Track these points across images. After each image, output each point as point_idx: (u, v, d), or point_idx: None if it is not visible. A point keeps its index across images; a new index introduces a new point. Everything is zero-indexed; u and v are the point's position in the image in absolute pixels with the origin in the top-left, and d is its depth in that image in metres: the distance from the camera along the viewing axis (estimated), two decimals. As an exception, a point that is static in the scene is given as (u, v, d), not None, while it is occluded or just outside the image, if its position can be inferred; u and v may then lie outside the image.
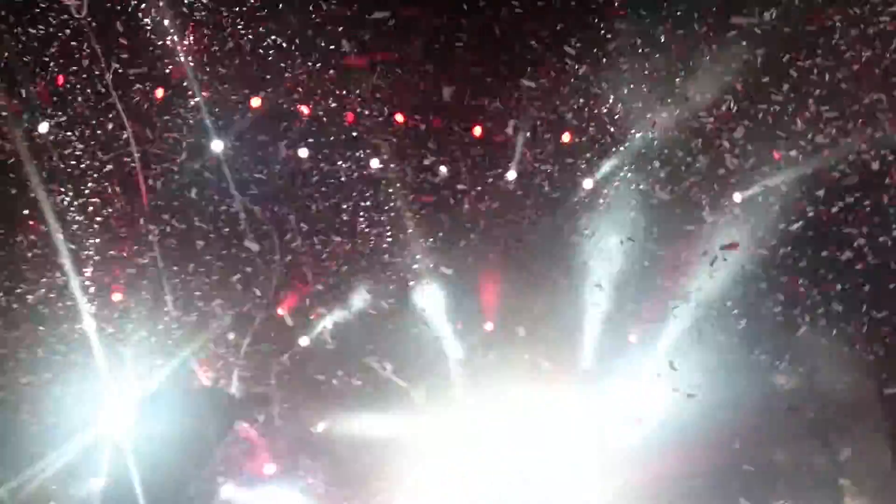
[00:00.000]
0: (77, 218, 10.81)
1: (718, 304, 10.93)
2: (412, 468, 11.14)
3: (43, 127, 10.53)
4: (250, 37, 10.87)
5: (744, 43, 10.33)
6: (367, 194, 11.25)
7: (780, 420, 11.01)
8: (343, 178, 11.22)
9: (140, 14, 10.63)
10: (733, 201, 10.81)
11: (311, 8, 10.81)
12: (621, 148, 11.03)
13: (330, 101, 11.03)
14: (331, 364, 11.32)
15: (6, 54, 10.37)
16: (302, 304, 11.31)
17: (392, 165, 11.09)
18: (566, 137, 11.15)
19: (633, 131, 10.96)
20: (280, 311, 11.24)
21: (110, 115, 10.75)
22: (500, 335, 11.45)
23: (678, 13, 10.64)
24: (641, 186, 11.05)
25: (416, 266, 11.29)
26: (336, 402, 11.29)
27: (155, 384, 10.53)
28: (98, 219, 10.90)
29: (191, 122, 10.90)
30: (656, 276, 11.19)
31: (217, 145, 10.86)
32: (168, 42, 10.68)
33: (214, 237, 11.10)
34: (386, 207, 11.25)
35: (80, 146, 10.80)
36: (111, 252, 10.94)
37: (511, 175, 11.21)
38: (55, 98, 10.65)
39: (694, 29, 10.62)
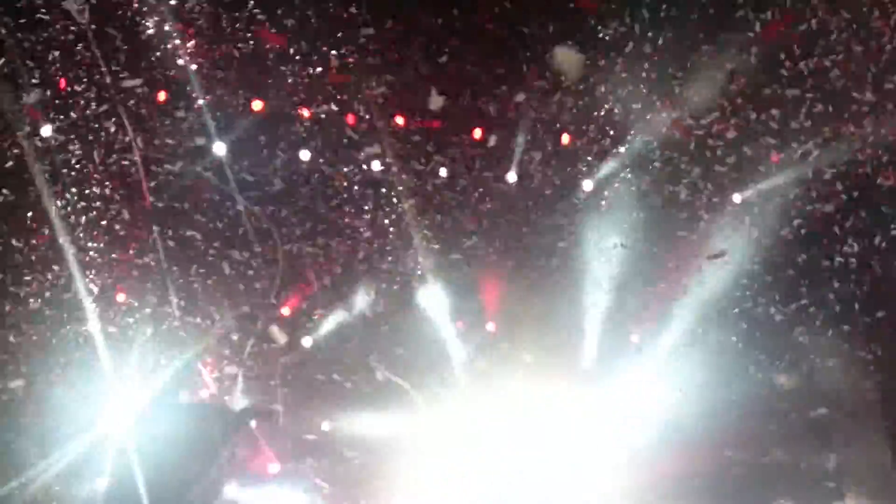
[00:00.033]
0: (80, 220, 10.87)
1: (718, 305, 10.95)
2: (415, 468, 11.17)
3: (45, 130, 10.59)
4: (251, 41, 10.92)
5: (741, 44, 10.34)
6: (368, 196, 11.29)
7: (780, 420, 11.02)
8: (344, 180, 11.27)
9: (141, 19, 10.69)
10: (732, 202, 10.83)
11: (309, 12, 10.85)
12: (621, 149, 11.03)
13: (331, 104, 11.07)
14: (333, 364, 11.37)
15: (8, 59, 10.44)
16: (303, 305, 11.36)
17: (393, 168, 11.14)
18: (565, 139, 11.16)
19: (632, 133, 10.96)
20: (284, 312, 11.31)
21: (112, 119, 10.81)
22: (502, 335, 11.48)
23: (676, 15, 10.64)
24: (641, 187, 11.06)
25: (417, 267, 11.33)
26: (339, 403, 11.33)
27: (160, 385, 10.61)
28: (102, 221, 10.96)
29: (192, 124, 10.96)
30: (657, 276, 11.20)
31: (219, 148, 10.92)
32: (169, 46, 10.73)
33: (217, 239, 11.17)
34: (387, 209, 11.29)
35: (82, 149, 10.85)
36: (114, 254, 11.01)
37: (511, 177, 11.24)
38: (57, 102, 10.72)
39: (692, 30, 10.61)
